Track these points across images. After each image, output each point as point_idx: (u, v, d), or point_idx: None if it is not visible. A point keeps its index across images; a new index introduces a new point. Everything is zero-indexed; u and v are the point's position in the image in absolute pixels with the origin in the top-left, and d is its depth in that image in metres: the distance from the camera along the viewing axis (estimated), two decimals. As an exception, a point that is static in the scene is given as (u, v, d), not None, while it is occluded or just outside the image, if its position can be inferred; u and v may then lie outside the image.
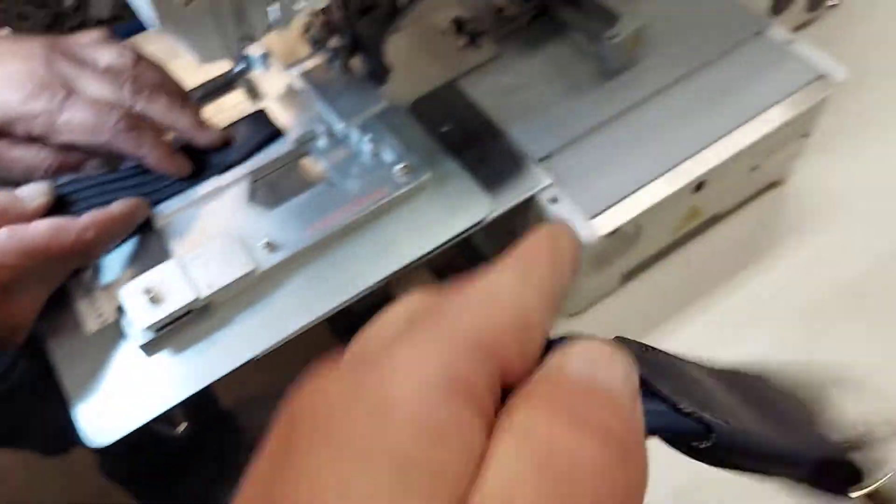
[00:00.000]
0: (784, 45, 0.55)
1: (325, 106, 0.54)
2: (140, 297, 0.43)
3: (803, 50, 0.55)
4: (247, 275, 0.45)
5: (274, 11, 0.44)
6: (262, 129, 0.55)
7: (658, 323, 0.56)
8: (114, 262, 0.48)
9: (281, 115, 0.55)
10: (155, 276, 0.44)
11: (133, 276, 0.44)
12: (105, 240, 0.45)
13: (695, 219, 0.57)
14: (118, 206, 0.46)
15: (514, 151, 0.52)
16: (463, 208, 0.48)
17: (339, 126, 0.53)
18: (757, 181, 0.60)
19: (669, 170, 0.50)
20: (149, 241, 0.49)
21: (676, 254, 0.59)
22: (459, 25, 0.58)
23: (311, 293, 0.46)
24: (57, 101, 0.47)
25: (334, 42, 0.55)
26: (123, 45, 0.51)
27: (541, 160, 0.51)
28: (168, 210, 0.50)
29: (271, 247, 0.46)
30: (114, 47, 0.50)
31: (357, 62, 0.56)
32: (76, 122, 0.47)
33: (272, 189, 0.52)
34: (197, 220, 0.50)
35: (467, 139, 0.52)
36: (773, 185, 0.62)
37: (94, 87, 0.48)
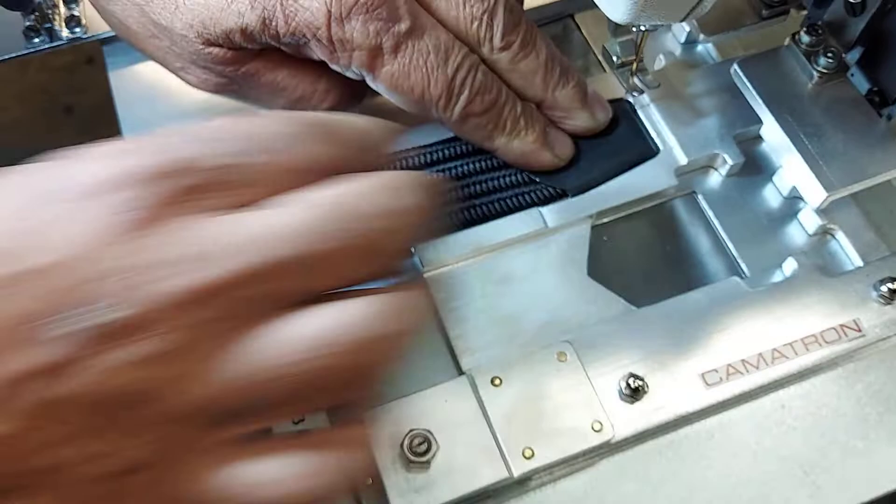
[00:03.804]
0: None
1: (777, 129, 0.35)
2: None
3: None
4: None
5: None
6: (633, 138, 0.36)
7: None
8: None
9: (658, 116, 0.37)
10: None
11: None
12: None
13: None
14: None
15: None
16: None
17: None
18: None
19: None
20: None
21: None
22: None
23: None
24: (397, 31, 0.30)
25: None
26: None
27: None
28: (436, 255, 0.34)
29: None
30: None
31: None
32: (412, 74, 0.31)
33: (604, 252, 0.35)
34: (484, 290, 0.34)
35: None
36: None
37: (445, 7, 0.31)
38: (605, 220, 0.36)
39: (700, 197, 0.37)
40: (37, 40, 0.40)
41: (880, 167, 0.33)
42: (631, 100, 0.38)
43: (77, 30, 0.40)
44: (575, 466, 0.31)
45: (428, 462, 0.28)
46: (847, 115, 0.34)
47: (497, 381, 0.30)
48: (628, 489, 0.31)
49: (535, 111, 0.35)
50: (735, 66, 0.36)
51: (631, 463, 0.32)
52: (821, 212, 0.35)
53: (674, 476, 0.32)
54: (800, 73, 0.35)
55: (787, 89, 0.35)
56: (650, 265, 0.37)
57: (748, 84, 0.35)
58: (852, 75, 0.35)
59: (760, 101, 0.35)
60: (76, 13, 0.40)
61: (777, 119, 0.34)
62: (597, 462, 0.32)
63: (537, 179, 0.36)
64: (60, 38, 0.40)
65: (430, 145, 0.36)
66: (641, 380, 0.31)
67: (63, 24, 0.40)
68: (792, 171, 0.35)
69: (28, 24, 0.40)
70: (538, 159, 0.35)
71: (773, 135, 0.35)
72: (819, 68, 0.35)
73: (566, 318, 0.33)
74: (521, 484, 0.31)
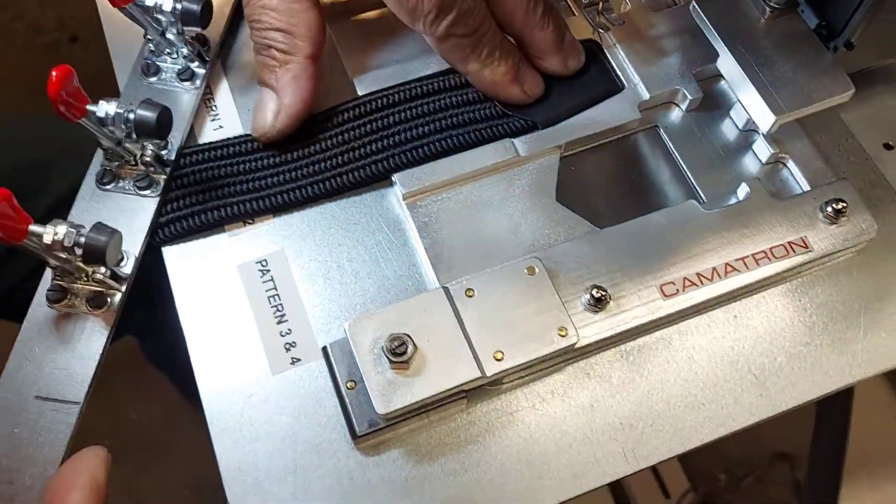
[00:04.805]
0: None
1: (732, 61, 0.37)
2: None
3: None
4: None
5: None
6: (599, 76, 0.39)
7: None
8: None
9: (623, 55, 0.40)
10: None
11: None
12: None
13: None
14: None
15: None
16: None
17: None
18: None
19: None
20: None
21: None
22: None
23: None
24: None
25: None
26: None
27: None
28: (416, 183, 0.36)
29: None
30: None
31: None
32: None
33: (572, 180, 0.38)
34: (460, 214, 0.36)
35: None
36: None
37: None
38: (574, 150, 0.39)
39: (662, 130, 0.39)
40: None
41: (825, 94, 0.36)
42: (598, 40, 0.40)
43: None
44: (544, 371, 0.34)
45: (406, 362, 0.31)
46: (797, 48, 0.37)
47: (470, 293, 0.33)
48: (592, 390, 0.34)
49: (511, 46, 0.37)
50: (693, 4, 0.38)
51: (594, 367, 0.34)
52: (773, 141, 0.37)
53: (634, 378, 0.34)
54: (753, 9, 0.38)
55: (742, 24, 0.37)
56: (615, 192, 0.39)
57: (706, 20, 0.38)
58: (802, 11, 0.38)
59: (717, 35, 0.37)
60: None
61: (732, 52, 0.37)
62: (564, 367, 0.34)
63: (510, 113, 0.38)
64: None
65: (410, 82, 0.39)
66: (605, 291, 0.33)
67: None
68: (746, 100, 0.37)
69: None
70: (506, 91, 0.37)
71: (728, 66, 0.37)
72: (771, 4, 0.37)
73: (536, 238, 0.36)
74: (495, 385, 0.33)
